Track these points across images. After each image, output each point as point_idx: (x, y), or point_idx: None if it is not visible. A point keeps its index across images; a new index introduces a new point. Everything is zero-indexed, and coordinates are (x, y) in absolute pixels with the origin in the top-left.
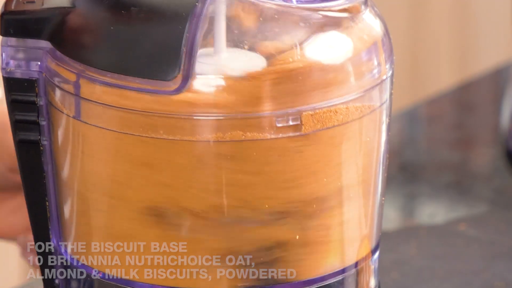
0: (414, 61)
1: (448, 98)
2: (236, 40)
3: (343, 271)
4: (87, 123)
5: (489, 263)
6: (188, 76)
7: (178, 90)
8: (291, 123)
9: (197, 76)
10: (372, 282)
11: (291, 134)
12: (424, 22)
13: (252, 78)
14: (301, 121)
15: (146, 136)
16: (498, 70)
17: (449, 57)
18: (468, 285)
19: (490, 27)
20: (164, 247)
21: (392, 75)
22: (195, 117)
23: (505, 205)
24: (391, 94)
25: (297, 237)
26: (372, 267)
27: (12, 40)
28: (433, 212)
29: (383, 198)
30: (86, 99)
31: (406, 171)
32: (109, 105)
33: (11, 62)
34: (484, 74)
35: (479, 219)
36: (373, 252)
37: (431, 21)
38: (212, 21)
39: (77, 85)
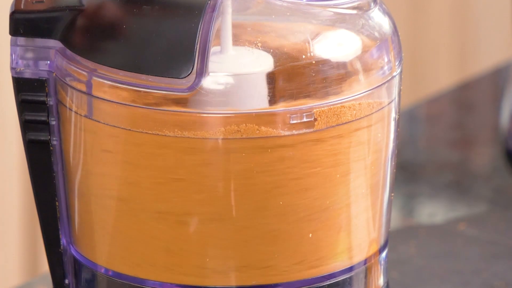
0: (413, 60)
1: (447, 98)
2: (246, 38)
3: (352, 268)
4: (100, 122)
5: (488, 262)
6: (202, 74)
7: (192, 88)
8: (305, 119)
9: (210, 73)
10: (381, 280)
11: (305, 130)
12: (424, 21)
13: (265, 75)
14: (315, 118)
15: (160, 134)
16: (498, 69)
17: (449, 56)
18: (468, 285)
19: (490, 27)
20: (174, 245)
21: (401, 72)
22: (208, 115)
23: (505, 204)
24: (400, 90)
25: (310, 235)
26: (381, 264)
27: (21, 40)
28: (433, 211)
29: (392, 194)
30: (98, 97)
31: (405, 170)
32: (121, 104)
33: (20, 62)
34: (484, 73)
35: (478, 218)
36: (382, 249)
37: (430, 20)
38: (223, 19)
39: (89, 84)
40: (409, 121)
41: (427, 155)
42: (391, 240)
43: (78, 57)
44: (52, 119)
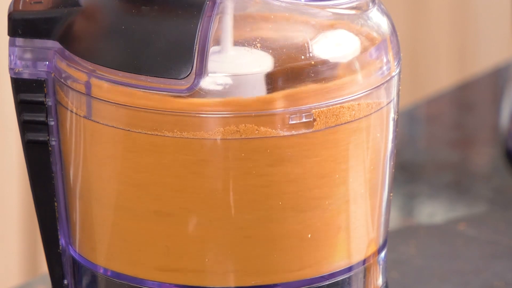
0: (413, 60)
1: (447, 98)
2: (245, 38)
3: (351, 268)
4: (98, 122)
5: (488, 262)
6: (201, 75)
7: (191, 89)
8: (304, 120)
9: (210, 74)
10: (380, 280)
11: (304, 130)
12: (423, 21)
13: (264, 76)
14: (314, 118)
15: (159, 135)
16: (498, 69)
17: (449, 56)
18: (467, 285)
19: (490, 27)
20: (173, 246)
21: (399, 72)
22: (207, 115)
23: (505, 205)
24: (399, 91)
25: (309, 235)
26: (380, 264)
27: (20, 41)
28: (433, 211)
29: (391, 194)
30: (97, 98)
31: (405, 170)
32: (121, 104)
33: (19, 62)
34: (484, 73)
35: (478, 218)
36: (381, 249)
37: (430, 20)
38: (221, 19)
39: (88, 85)
40: (409, 121)
41: (427, 155)
42: (390, 240)
43: (77, 58)
44: (51, 119)
